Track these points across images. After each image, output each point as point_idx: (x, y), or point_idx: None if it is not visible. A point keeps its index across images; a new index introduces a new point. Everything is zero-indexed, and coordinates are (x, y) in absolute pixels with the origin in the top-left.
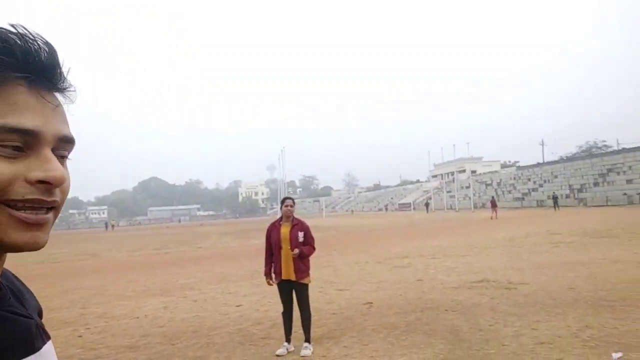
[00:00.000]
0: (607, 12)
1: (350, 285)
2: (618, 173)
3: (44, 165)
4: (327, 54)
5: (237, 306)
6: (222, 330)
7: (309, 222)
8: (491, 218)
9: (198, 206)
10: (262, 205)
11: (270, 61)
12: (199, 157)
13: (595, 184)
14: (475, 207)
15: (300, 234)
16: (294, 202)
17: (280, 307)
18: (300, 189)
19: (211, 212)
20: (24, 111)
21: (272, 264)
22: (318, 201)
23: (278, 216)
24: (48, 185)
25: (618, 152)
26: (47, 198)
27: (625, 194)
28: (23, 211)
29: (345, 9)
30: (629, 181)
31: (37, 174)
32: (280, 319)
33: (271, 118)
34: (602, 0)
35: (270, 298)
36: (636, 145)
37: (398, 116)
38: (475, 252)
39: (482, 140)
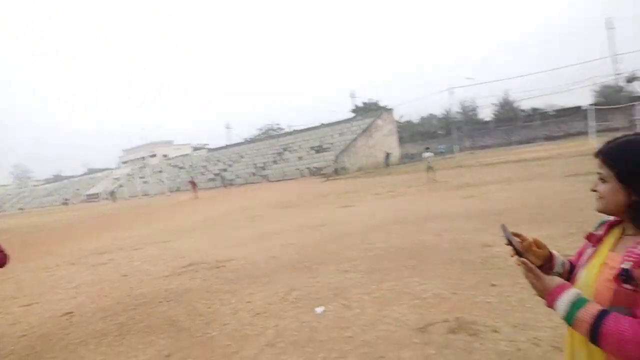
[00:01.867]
0: None
1: (39, 296)
2: (291, 152)
3: None
4: None
5: None
6: None
7: None
8: (196, 198)
9: None
10: None
11: None
12: None
13: (274, 162)
14: (170, 190)
15: None
16: None
17: None
18: None
19: None
20: None
21: None
22: None
23: None
24: None
25: (290, 133)
26: None
27: (297, 169)
28: None
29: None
30: (299, 158)
31: None
32: None
33: None
34: None
35: None
36: (304, 128)
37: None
38: (179, 236)
39: (172, 123)
